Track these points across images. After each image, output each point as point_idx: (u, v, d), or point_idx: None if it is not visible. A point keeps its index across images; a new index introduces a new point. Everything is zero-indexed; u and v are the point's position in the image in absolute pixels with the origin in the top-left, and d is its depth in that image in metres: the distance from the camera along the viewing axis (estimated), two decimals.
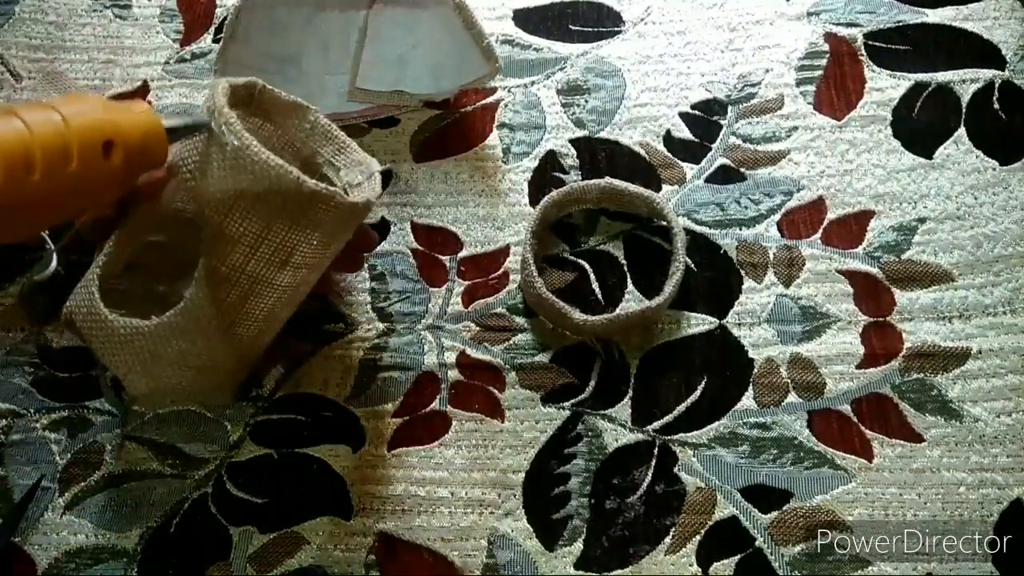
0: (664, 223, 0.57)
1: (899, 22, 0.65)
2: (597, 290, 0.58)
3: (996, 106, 0.62)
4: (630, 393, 0.54)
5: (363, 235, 0.56)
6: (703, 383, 0.54)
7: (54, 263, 0.53)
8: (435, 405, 0.55)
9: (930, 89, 0.62)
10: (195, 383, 0.47)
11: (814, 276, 0.57)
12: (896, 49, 0.64)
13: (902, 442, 0.52)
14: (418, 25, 0.59)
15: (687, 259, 0.56)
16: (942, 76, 0.63)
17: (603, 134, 0.62)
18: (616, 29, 0.67)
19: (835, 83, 0.63)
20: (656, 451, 0.53)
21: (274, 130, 0.52)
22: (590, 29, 0.67)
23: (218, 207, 0.42)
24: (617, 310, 0.57)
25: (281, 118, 0.51)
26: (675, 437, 0.53)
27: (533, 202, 0.60)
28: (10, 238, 0.37)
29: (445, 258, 0.59)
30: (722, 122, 0.63)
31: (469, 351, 0.56)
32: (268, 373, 0.55)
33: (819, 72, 0.64)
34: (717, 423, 0.53)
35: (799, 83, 0.63)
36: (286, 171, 0.41)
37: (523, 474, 0.52)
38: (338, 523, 0.52)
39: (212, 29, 0.68)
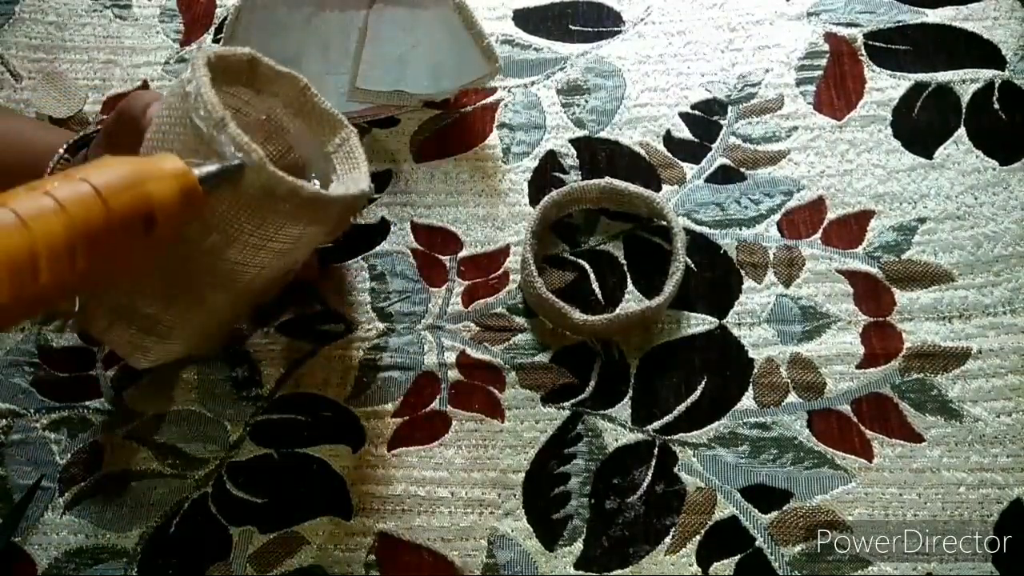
0: (664, 223, 0.57)
1: (899, 22, 0.65)
2: (597, 290, 0.57)
3: (996, 106, 0.61)
4: (630, 393, 0.54)
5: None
6: (703, 383, 0.54)
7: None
8: (435, 405, 0.55)
9: (930, 89, 0.62)
10: (108, 329, 0.45)
11: (814, 276, 0.57)
12: (896, 49, 0.64)
13: (902, 442, 0.52)
14: (418, 25, 0.59)
15: (687, 259, 0.56)
16: (942, 76, 0.63)
17: (603, 134, 0.62)
18: (616, 29, 0.67)
19: (835, 83, 0.63)
20: (656, 451, 0.53)
21: (266, 116, 0.51)
22: (590, 29, 0.67)
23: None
24: (617, 310, 0.56)
25: (316, 126, 0.50)
26: (675, 437, 0.53)
27: (533, 202, 0.60)
28: (48, 310, 0.35)
29: (445, 258, 0.59)
30: (722, 122, 0.62)
31: (469, 351, 0.56)
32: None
33: (819, 72, 0.64)
34: (717, 423, 0.53)
35: (799, 83, 0.63)
36: (214, 107, 0.38)
37: (523, 474, 0.52)
38: (338, 523, 0.52)
39: (212, 29, 0.68)
